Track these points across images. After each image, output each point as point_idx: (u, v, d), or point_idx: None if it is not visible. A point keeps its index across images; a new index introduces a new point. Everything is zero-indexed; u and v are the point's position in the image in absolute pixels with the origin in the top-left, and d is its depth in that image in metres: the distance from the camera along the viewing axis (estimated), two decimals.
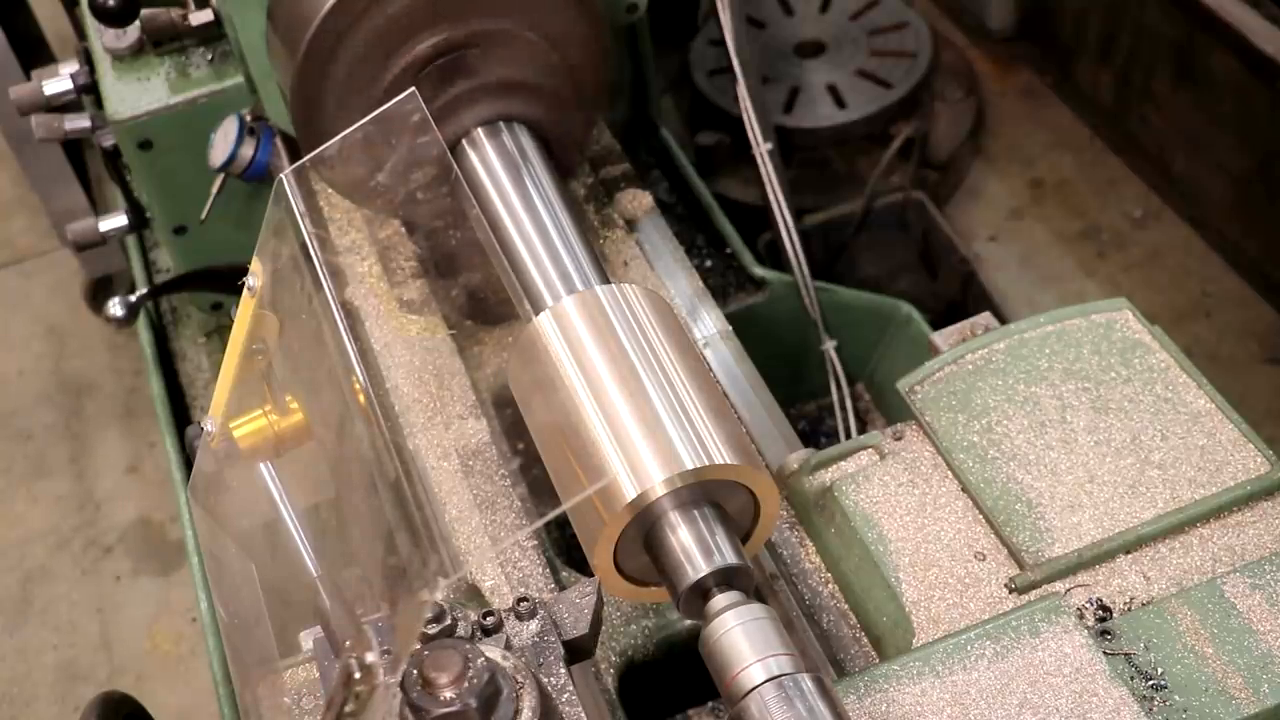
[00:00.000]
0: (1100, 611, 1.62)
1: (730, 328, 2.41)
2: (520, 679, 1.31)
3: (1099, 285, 3.94)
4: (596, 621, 1.44)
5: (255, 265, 1.70)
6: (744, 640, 1.41)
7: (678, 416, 1.54)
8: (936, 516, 1.76)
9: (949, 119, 4.20)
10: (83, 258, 4.17)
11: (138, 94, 2.74)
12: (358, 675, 1.19)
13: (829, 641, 1.82)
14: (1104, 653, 1.53)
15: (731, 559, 1.49)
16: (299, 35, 2.05)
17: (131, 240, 3.35)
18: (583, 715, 1.35)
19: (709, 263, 3.00)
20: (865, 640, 1.80)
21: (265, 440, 1.76)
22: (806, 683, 1.37)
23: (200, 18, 2.66)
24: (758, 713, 1.35)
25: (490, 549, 1.90)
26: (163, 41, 2.76)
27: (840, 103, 4.00)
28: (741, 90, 2.94)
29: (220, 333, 3.12)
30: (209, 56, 2.76)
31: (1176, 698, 1.51)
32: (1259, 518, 1.70)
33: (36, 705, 3.56)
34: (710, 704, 2.06)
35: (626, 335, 1.64)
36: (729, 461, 1.51)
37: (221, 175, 2.66)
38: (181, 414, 2.98)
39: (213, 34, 2.71)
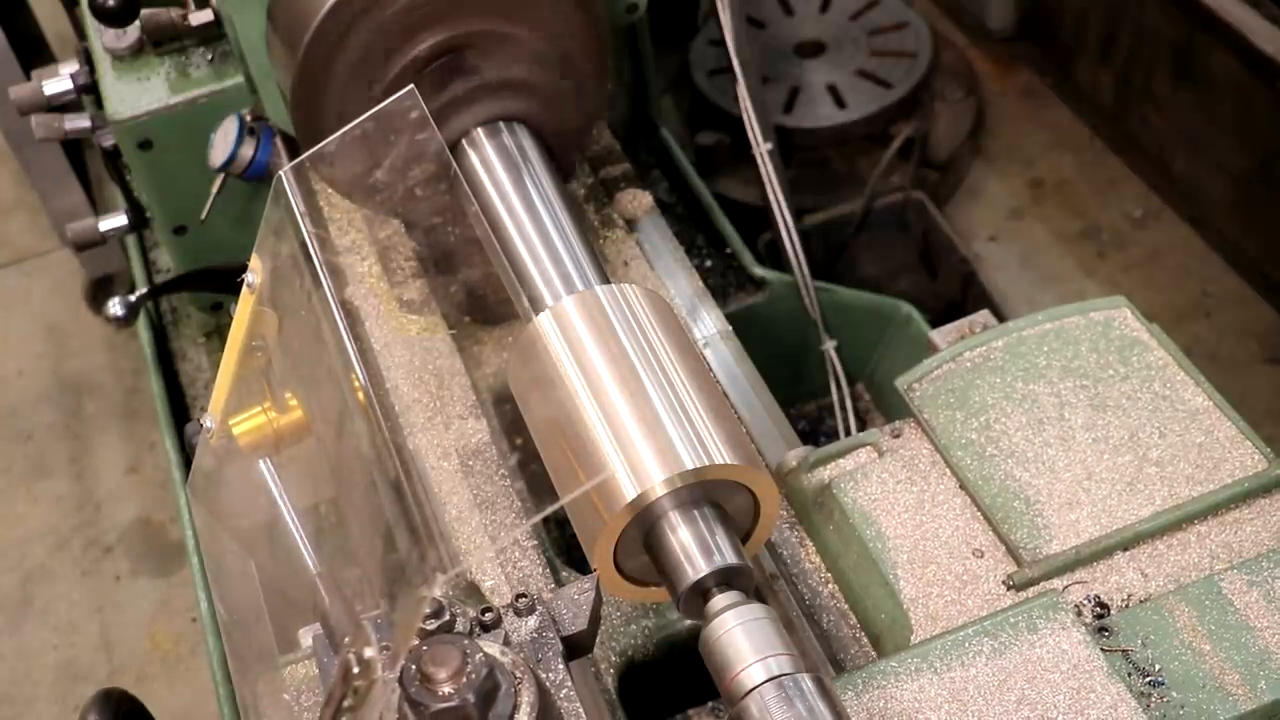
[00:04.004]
0: (1098, 608, 1.62)
1: (730, 328, 2.41)
2: (519, 675, 1.31)
3: (1099, 285, 3.94)
4: (595, 618, 1.44)
5: (254, 262, 1.71)
6: (744, 640, 1.41)
7: (678, 416, 1.54)
8: (935, 514, 1.76)
9: (949, 119, 4.20)
10: (83, 258, 4.17)
11: (138, 94, 2.74)
12: (356, 671, 1.20)
13: (829, 641, 1.82)
14: (1101, 649, 1.53)
15: (731, 559, 1.49)
16: (299, 35, 2.05)
17: (131, 240, 3.35)
18: (581, 711, 1.35)
19: (709, 263, 3.01)
20: (865, 640, 1.80)
21: (265, 437, 1.76)
22: (806, 683, 1.37)
23: (200, 18, 2.66)
24: (758, 713, 1.35)
25: (490, 548, 1.90)
26: (163, 41, 2.77)
27: (840, 103, 4.00)
28: (741, 90, 2.94)
29: (220, 333, 3.12)
30: (209, 56, 2.77)
31: (1174, 694, 1.51)
32: (1256, 515, 1.70)
33: (36, 705, 3.56)
34: (710, 704, 2.06)
35: (626, 335, 1.64)
36: (729, 461, 1.51)
37: (221, 175, 2.67)
38: (181, 414, 2.98)
39: (213, 34, 2.71)
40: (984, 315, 2.01)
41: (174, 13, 2.71)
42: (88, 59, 2.89)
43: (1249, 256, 3.86)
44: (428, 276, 2.30)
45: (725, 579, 1.48)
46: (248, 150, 2.59)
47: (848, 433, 2.79)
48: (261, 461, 1.75)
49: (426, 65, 2.06)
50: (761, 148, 2.92)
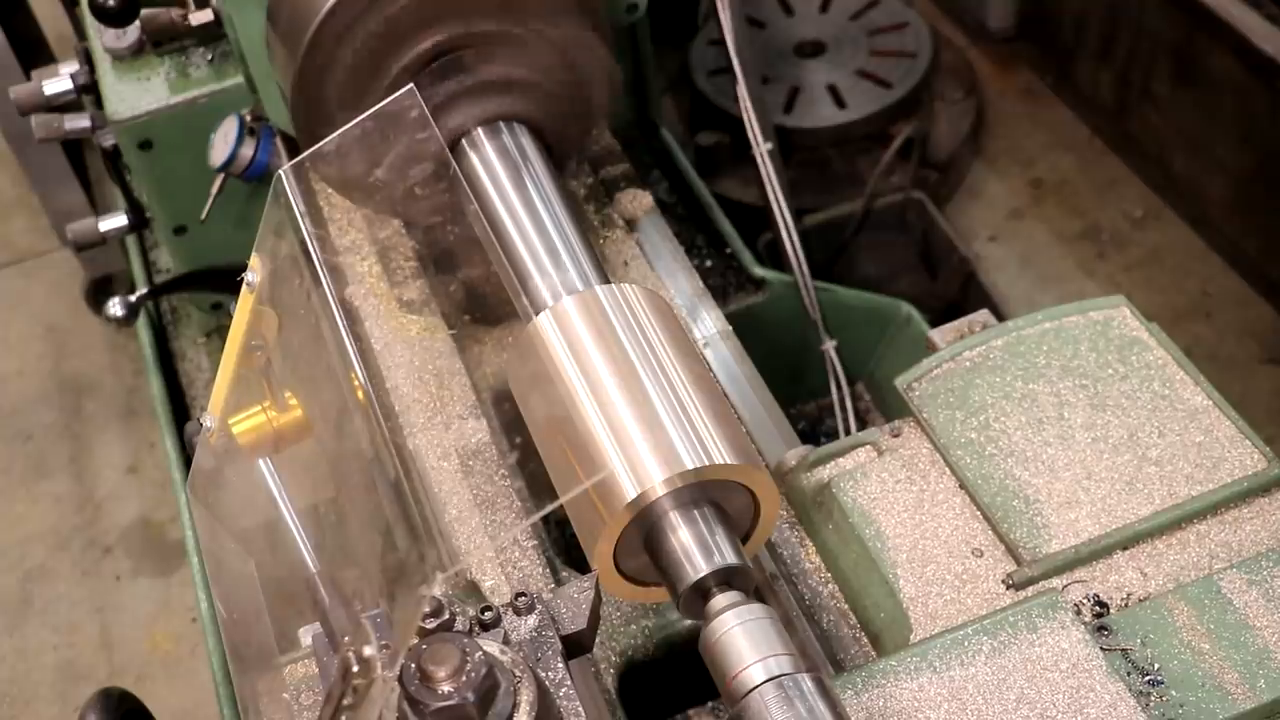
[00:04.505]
0: (1097, 607, 1.62)
1: (730, 328, 2.41)
2: (518, 674, 1.31)
3: (1099, 285, 3.94)
4: (594, 617, 1.44)
5: (254, 261, 1.71)
6: (744, 640, 1.41)
7: (678, 416, 1.54)
8: (934, 513, 1.76)
9: (949, 119, 4.20)
10: (83, 258, 4.17)
11: (138, 94, 2.74)
12: (356, 669, 1.20)
13: (829, 641, 1.82)
14: (1101, 648, 1.53)
15: (731, 559, 1.49)
16: (299, 36, 2.05)
17: (131, 240, 3.35)
18: (580, 710, 1.35)
19: (709, 263, 3.01)
20: (865, 640, 1.80)
21: (264, 436, 1.76)
22: (806, 683, 1.36)
23: (200, 18, 2.66)
24: (757, 713, 1.35)
25: (489, 547, 1.90)
26: (163, 41, 2.77)
27: (840, 103, 4.00)
28: (741, 90, 2.94)
29: (220, 332, 3.13)
30: (209, 56, 2.77)
31: (1173, 693, 1.51)
32: (1256, 514, 1.70)
33: (36, 705, 3.56)
34: (710, 704, 2.06)
35: (626, 335, 1.64)
36: (729, 461, 1.51)
37: (221, 175, 2.67)
38: (181, 414, 2.98)
39: (213, 34, 2.71)
40: (983, 315, 2.01)
41: (174, 13, 2.71)
42: (88, 59, 2.89)
43: (1249, 256, 3.86)
44: (428, 276, 2.30)
45: (725, 579, 1.48)
46: (248, 150, 2.60)
47: (848, 433, 2.79)
48: (261, 461, 1.75)
49: (426, 65, 2.06)
50: (761, 148, 2.92)
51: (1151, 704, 1.50)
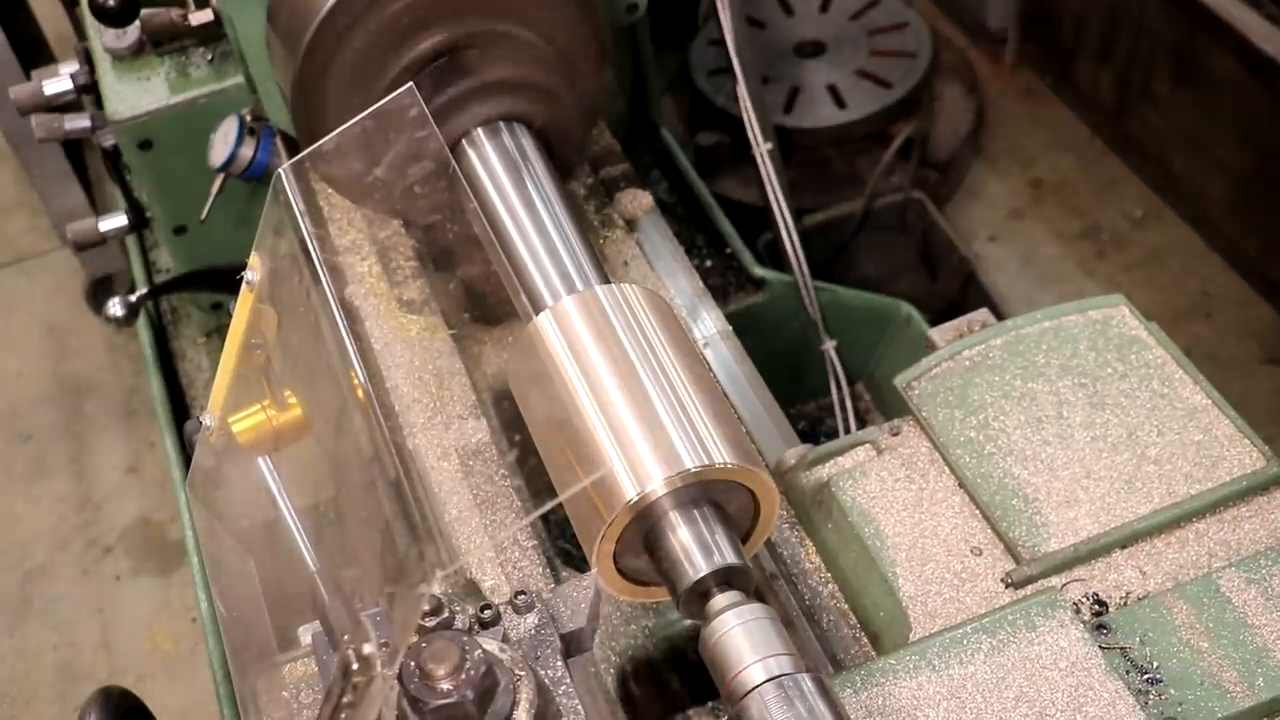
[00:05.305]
0: (1096, 606, 1.62)
1: (730, 328, 2.41)
2: (518, 672, 1.31)
3: (1099, 285, 3.94)
4: (594, 616, 1.45)
5: (254, 260, 1.71)
6: (744, 640, 1.41)
7: (678, 416, 1.54)
8: (933, 512, 1.76)
9: (949, 119, 4.20)
10: (83, 258, 4.17)
11: (138, 94, 2.74)
12: (355, 668, 1.20)
13: (829, 641, 1.82)
14: (1100, 647, 1.54)
15: (731, 559, 1.49)
16: (299, 36, 2.05)
17: (131, 240, 3.35)
18: (579, 708, 1.36)
19: (709, 263, 3.01)
20: (865, 640, 1.80)
21: (264, 435, 1.76)
22: (806, 683, 1.36)
23: (200, 18, 2.66)
24: (758, 713, 1.35)
25: (489, 546, 1.90)
26: (163, 41, 2.77)
27: (840, 103, 4.00)
28: (741, 90, 2.94)
29: (220, 332, 3.13)
30: (209, 56, 2.77)
31: (1172, 691, 1.51)
32: (1255, 513, 1.70)
33: (36, 705, 3.56)
34: (710, 704, 2.06)
35: (626, 335, 1.64)
36: (729, 461, 1.51)
37: (221, 175, 2.67)
38: (181, 414, 2.98)
39: (213, 34, 2.71)
40: (983, 314, 2.01)
41: (174, 13, 2.71)
42: (88, 59, 2.89)
43: (1249, 256, 3.86)
44: (428, 276, 2.30)
45: (725, 579, 1.48)
46: (248, 150, 2.60)
47: (848, 432, 2.79)
48: (261, 460, 1.74)
49: (426, 65, 2.06)
50: (761, 148, 2.92)
51: (1150, 702, 1.51)
